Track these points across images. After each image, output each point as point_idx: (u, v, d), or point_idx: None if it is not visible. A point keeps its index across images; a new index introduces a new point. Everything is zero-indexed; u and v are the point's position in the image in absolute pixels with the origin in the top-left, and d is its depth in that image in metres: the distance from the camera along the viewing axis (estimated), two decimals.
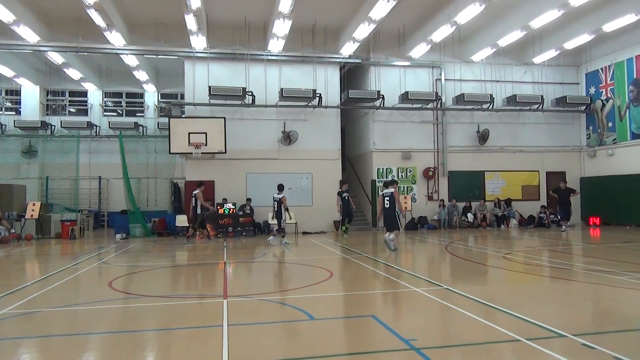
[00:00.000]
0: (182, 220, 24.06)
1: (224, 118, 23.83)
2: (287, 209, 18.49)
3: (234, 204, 23.97)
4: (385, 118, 26.86)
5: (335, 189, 23.71)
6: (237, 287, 10.68)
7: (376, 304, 9.00)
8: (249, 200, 24.44)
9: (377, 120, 26.89)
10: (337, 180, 24.75)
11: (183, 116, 24.74)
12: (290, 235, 22.70)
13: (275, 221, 19.08)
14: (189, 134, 23.46)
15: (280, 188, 18.83)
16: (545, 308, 8.43)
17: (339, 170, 26.21)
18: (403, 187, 26.65)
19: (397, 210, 15.10)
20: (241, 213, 23.48)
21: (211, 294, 10.10)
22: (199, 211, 20.29)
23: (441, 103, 26.96)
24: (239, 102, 24.27)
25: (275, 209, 18.73)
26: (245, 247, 18.72)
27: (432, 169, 27.22)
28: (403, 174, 26.74)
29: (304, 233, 24.24)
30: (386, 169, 26.62)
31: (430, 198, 27.24)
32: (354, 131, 29.34)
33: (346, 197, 20.75)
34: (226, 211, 23.45)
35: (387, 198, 15.33)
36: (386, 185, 15.59)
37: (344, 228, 21.28)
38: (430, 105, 26.95)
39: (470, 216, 26.29)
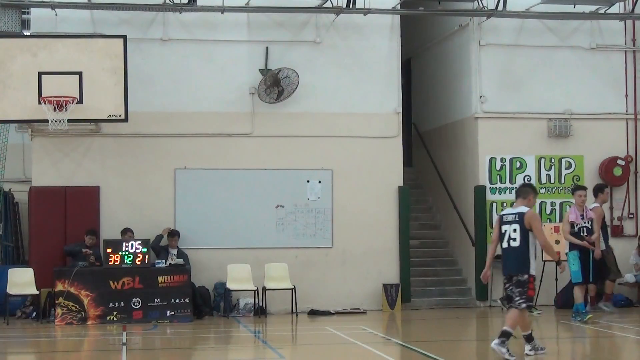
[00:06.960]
0: (24, 281, 15.84)
1: (124, 38, 16.62)
2: None
3: (143, 244, 15.73)
4: (509, 39, 18.82)
5: (392, 204, 17.74)
6: None
7: None
8: (172, 234, 16.19)
9: (488, 43, 18.71)
10: (394, 184, 18.19)
11: (26, 33, 17.66)
12: (277, 318, 16.84)
13: None
14: (39, 75, 16.17)
15: None
16: None
17: (399, 161, 18.12)
18: (551, 204, 19.00)
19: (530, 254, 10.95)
20: (162, 264, 15.46)
21: None
22: (603, 246, 14.70)
23: None
24: (160, 1, 17.10)
25: None
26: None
27: (624, 162, 18.65)
28: (552, 174, 18.78)
29: (312, 313, 16.88)
30: (511, 160, 18.63)
31: (617, 230, 18.73)
32: (431, 72, 22.31)
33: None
34: (127, 259, 15.13)
35: (515, 226, 10.61)
36: (519, 194, 11.49)
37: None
38: (616, 8, 18.06)
39: None
